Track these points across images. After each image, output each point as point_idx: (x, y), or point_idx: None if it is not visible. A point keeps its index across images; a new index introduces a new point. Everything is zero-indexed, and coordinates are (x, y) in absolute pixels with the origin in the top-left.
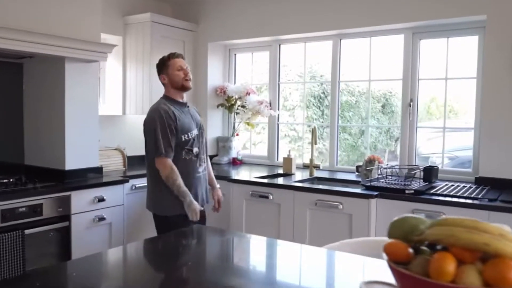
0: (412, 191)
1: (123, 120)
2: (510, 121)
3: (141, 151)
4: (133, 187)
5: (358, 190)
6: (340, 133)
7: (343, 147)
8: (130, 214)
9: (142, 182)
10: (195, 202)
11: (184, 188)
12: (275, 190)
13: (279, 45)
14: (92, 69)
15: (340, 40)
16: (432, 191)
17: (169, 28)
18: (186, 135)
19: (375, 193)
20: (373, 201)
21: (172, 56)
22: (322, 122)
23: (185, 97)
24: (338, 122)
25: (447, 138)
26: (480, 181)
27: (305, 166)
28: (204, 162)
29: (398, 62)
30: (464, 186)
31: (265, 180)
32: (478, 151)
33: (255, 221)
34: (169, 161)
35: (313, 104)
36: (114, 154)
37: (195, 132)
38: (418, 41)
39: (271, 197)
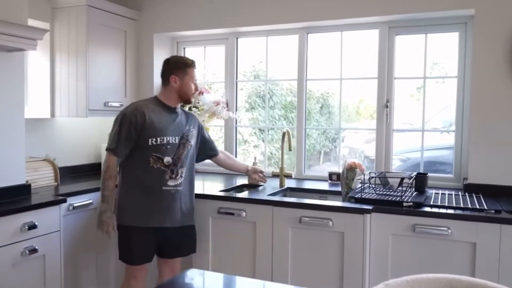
0: (411, 204)
1: (51, 125)
2: (501, 123)
3: (76, 161)
4: (71, 207)
5: (349, 204)
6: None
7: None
8: (69, 242)
9: (82, 200)
10: (109, 215)
11: (106, 193)
12: (249, 205)
13: (237, 38)
14: (15, 60)
15: (307, 34)
16: (430, 203)
17: (108, 15)
18: (154, 139)
19: (370, 207)
20: (368, 216)
21: (193, 64)
22: (267, 123)
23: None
24: (305, 125)
25: (398, 139)
26: (470, 188)
27: (275, 175)
28: (182, 177)
29: (371, 59)
30: (456, 195)
31: (240, 194)
32: (460, 155)
33: (224, 243)
34: (114, 158)
35: (258, 105)
36: (42, 166)
37: (171, 139)
38: (394, 36)
39: (244, 214)
